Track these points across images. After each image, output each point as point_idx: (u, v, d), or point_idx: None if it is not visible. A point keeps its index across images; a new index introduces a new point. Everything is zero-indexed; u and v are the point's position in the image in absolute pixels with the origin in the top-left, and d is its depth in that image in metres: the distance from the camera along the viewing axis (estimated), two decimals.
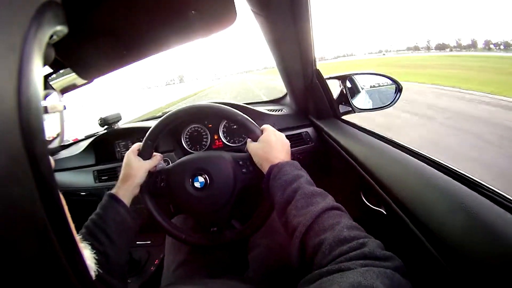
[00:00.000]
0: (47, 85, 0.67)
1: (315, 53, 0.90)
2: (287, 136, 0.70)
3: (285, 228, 0.54)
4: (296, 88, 1.04)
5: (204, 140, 1.13)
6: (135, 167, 0.71)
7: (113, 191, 0.68)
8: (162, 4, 0.43)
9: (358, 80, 1.03)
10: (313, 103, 1.03)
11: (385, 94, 0.99)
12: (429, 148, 3.71)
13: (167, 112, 0.76)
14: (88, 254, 0.43)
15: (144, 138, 0.74)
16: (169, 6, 0.43)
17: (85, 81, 0.75)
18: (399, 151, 0.65)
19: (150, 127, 0.74)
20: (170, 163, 1.02)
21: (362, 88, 1.05)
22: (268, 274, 0.71)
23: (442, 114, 5.85)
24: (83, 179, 1.16)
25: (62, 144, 1.36)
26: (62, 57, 0.45)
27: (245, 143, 1.06)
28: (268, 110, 1.17)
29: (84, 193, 1.16)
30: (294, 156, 0.68)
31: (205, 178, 0.72)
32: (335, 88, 1.01)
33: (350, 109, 0.98)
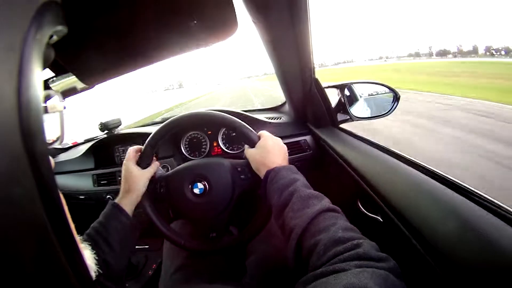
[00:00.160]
0: (47, 88, 0.67)
1: (314, 62, 0.91)
2: (285, 144, 0.71)
3: (282, 230, 0.55)
4: (294, 97, 1.06)
5: (204, 147, 1.14)
6: (136, 178, 0.71)
7: (116, 200, 0.68)
8: (164, 14, 0.44)
9: (357, 88, 1.05)
10: (312, 111, 1.04)
11: (382, 103, 1.00)
12: None
13: (167, 117, 0.77)
14: (88, 255, 0.43)
15: (145, 144, 0.74)
16: (171, 16, 0.44)
17: (86, 86, 0.76)
18: (395, 159, 0.65)
19: (150, 133, 0.75)
20: (170, 169, 1.02)
21: (361, 96, 1.06)
22: (265, 280, 0.71)
23: None
24: (82, 182, 1.16)
25: (61, 147, 1.37)
26: (64, 61, 0.46)
27: (244, 150, 1.07)
28: (267, 118, 1.18)
29: (82, 197, 1.16)
30: (292, 163, 0.69)
31: (204, 185, 0.72)
32: (333, 97, 1.02)
33: (348, 117, 0.99)
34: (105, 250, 0.60)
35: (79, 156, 1.20)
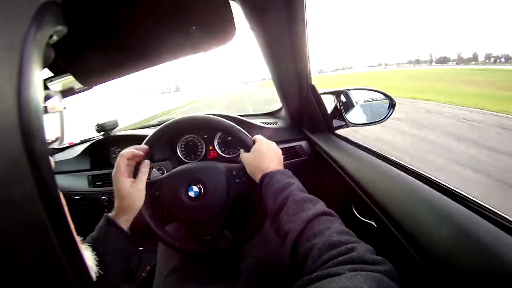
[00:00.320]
0: (47, 88, 0.67)
1: (311, 68, 0.92)
2: (281, 149, 0.72)
3: (278, 234, 0.55)
4: (291, 102, 1.07)
5: (199, 150, 1.14)
6: (131, 196, 0.64)
7: (111, 215, 0.63)
8: (163, 18, 0.44)
9: (353, 94, 1.06)
10: (308, 117, 1.05)
11: (378, 109, 1.02)
12: None
13: (164, 120, 0.77)
14: (88, 255, 0.43)
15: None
16: (170, 20, 0.45)
17: (85, 87, 0.76)
18: (390, 165, 0.66)
19: (146, 135, 0.75)
20: (165, 171, 1.02)
21: (357, 103, 1.07)
22: (260, 283, 0.71)
23: None
24: (78, 183, 1.15)
25: (57, 147, 1.36)
26: (63, 62, 0.46)
27: (239, 154, 1.08)
28: (263, 123, 1.19)
29: (78, 197, 1.15)
30: (287, 168, 0.70)
31: (199, 188, 0.73)
32: (329, 103, 1.03)
33: (344, 123, 1.00)
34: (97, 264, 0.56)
35: (75, 156, 1.20)
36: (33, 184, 0.19)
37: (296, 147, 1.07)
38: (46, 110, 0.26)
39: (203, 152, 1.14)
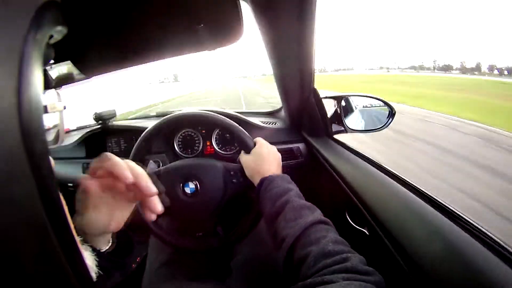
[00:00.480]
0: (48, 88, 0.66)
1: (315, 71, 0.92)
2: (278, 150, 0.72)
3: (274, 239, 0.56)
4: (292, 103, 1.06)
5: (197, 145, 1.14)
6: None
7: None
8: (170, 16, 0.44)
9: (353, 100, 1.06)
10: (307, 120, 1.05)
11: (377, 116, 1.02)
12: None
13: (162, 112, 0.77)
14: (88, 255, 0.43)
15: (139, 138, 0.75)
16: (177, 18, 0.44)
17: (85, 77, 0.75)
18: (386, 175, 0.67)
19: (145, 127, 0.75)
20: (161, 164, 1.02)
21: (356, 108, 1.07)
22: (249, 283, 0.72)
23: None
24: (72, 171, 1.14)
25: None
26: (65, 51, 0.45)
27: (236, 152, 1.07)
28: (262, 122, 1.18)
29: (71, 185, 1.14)
30: (283, 170, 0.70)
31: (196, 185, 0.73)
32: (329, 107, 1.03)
33: (343, 129, 1.01)
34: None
35: (71, 143, 1.19)
36: (33, 184, 0.19)
37: (293, 149, 1.07)
38: (46, 110, 0.26)
39: (200, 147, 1.13)
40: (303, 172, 1.06)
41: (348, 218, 0.74)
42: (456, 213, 0.49)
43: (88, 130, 1.19)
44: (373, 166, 0.72)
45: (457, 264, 0.39)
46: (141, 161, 0.76)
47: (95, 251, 0.45)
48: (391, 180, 0.64)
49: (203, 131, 1.13)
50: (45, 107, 0.26)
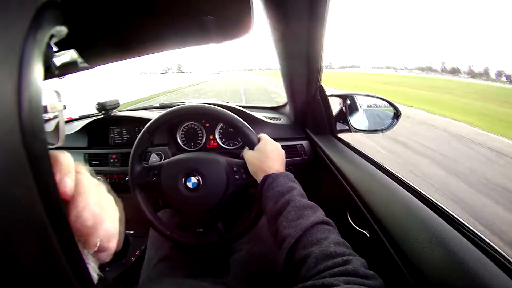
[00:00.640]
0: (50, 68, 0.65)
1: (322, 69, 0.91)
2: (281, 146, 0.71)
3: (275, 237, 0.55)
4: (297, 101, 1.05)
5: (199, 138, 1.13)
6: None
7: None
8: (178, 6, 0.42)
9: (358, 98, 1.04)
10: (312, 117, 1.04)
11: (382, 116, 1.01)
12: None
13: (165, 103, 0.76)
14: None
15: (142, 130, 0.74)
16: (184, 7, 0.43)
17: (88, 66, 0.74)
18: (389, 178, 0.66)
19: (148, 118, 0.74)
20: (163, 157, 1.01)
21: (361, 107, 1.06)
22: (247, 280, 0.72)
23: None
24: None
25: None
26: (69, 40, 0.44)
27: (239, 147, 1.06)
28: (266, 117, 1.17)
29: None
30: (286, 167, 0.69)
31: (198, 180, 0.72)
32: (334, 105, 1.02)
33: (347, 128, 1.00)
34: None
35: (73, 133, 1.18)
36: (33, 184, 0.18)
37: (297, 146, 1.06)
38: (46, 110, 0.25)
39: (203, 141, 1.13)
40: (306, 170, 1.05)
41: (350, 219, 0.74)
42: (458, 220, 0.48)
43: (90, 120, 1.19)
44: (377, 168, 0.72)
45: (457, 272, 0.39)
46: (143, 153, 0.76)
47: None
48: (395, 184, 0.63)
49: (207, 125, 1.13)
50: (45, 107, 0.25)
